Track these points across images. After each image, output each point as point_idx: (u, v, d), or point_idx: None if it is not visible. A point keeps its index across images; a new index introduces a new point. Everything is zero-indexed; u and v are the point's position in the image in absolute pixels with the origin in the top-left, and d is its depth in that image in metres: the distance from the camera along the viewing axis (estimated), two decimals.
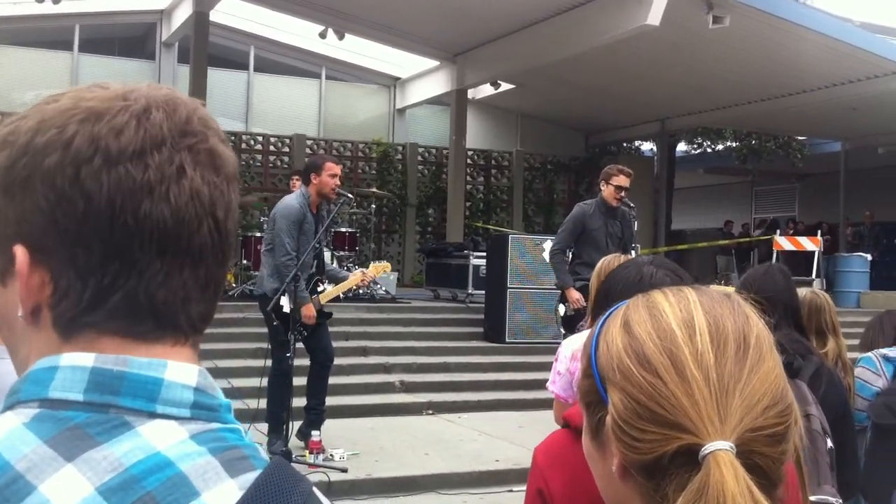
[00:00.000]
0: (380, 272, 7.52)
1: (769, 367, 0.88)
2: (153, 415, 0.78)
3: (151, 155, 0.80)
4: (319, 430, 6.82)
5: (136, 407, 0.78)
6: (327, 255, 10.84)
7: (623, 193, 7.47)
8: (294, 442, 6.78)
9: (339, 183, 6.85)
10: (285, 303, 6.59)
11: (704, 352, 0.87)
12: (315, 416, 6.96)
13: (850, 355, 4.06)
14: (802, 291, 3.62)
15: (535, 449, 1.89)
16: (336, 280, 7.20)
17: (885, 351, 4.07)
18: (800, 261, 16.40)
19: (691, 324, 0.90)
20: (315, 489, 0.80)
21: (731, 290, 5.12)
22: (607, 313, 0.99)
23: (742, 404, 0.85)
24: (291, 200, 6.90)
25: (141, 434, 0.76)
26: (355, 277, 7.14)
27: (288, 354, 6.52)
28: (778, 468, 0.86)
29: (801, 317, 3.27)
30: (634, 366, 0.89)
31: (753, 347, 0.89)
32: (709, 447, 0.83)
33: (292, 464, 5.74)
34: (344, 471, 6.40)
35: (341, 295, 11.46)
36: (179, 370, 0.81)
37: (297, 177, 11.35)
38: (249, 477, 0.76)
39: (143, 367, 0.80)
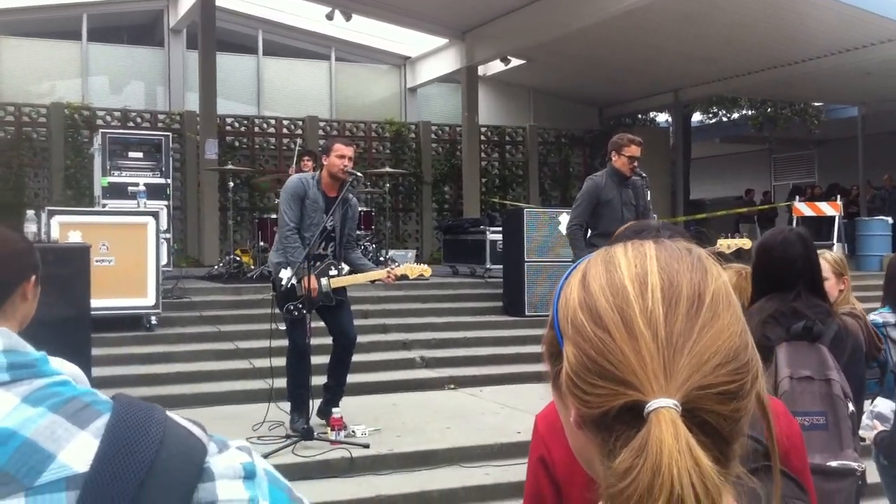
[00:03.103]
0: (415, 273, 6.89)
1: (723, 325, 0.86)
2: None
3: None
4: (339, 406, 6.84)
5: None
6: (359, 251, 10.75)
7: (636, 163, 7.43)
8: (315, 419, 6.81)
9: (347, 164, 6.78)
10: (284, 276, 6.58)
11: (654, 308, 0.85)
12: (333, 394, 6.99)
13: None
14: None
15: (536, 416, 1.89)
16: (359, 270, 7.05)
17: (872, 316, 4.08)
18: (822, 225, 16.31)
19: (644, 279, 0.88)
20: (170, 413, 0.75)
21: (743, 242, 5.11)
22: (572, 267, 0.98)
23: (690, 362, 0.83)
24: (294, 176, 6.98)
25: None
26: (380, 273, 6.89)
27: (296, 332, 6.54)
28: (731, 425, 0.84)
29: (821, 280, 3.23)
30: (587, 320, 0.88)
31: (708, 305, 0.86)
32: (652, 404, 0.81)
33: (315, 440, 5.79)
34: (366, 446, 6.43)
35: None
36: None
37: (307, 157, 11.35)
38: (100, 424, 0.73)
39: None
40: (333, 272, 6.81)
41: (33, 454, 0.69)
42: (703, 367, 0.83)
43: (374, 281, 7.47)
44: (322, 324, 7.02)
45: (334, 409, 6.72)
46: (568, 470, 1.73)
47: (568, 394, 0.88)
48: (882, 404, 3.60)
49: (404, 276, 6.81)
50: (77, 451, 0.71)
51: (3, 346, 0.77)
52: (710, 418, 0.83)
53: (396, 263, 12.57)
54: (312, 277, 6.60)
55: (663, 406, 0.80)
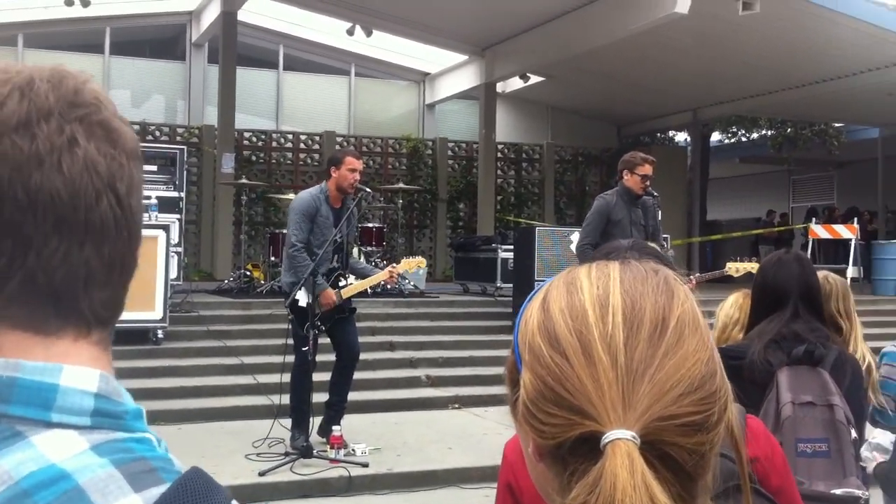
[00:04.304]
0: (412, 267, 7.22)
1: (688, 351, 0.81)
2: (49, 424, 0.72)
3: (39, 125, 0.75)
4: (340, 424, 6.78)
5: (29, 416, 0.72)
6: (355, 251, 10.83)
7: (648, 183, 7.34)
8: (315, 437, 6.75)
9: (357, 178, 6.80)
10: (301, 297, 6.55)
11: (615, 333, 0.81)
12: (335, 412, 6.95)
13: (879, 343, 3.93)
14: None
15: (505, 443, 1.84)
16: (363, 276, 7.11)
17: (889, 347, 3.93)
18: (838, 248, 16.13)
19: (606, 302, 0.83)
20: (235, 502, 0.73)
21: (752, 266, 4.99)
22: (536, 288, 0.93)
23: (651, 391, 0.78)
24: (304, 193, 6.93)
25: (34, 445, 0.70)
26: (382, 274, 7.01)
27: (305, 349, 6.47)
28: (696, 459, 0.79)
29: (821, 304, 3.16)
30: (545, 345, 0.83)
31: (672, 329, 0.81)
32: (609, 435, 0.76)
33: (315, 458, 5.75)
34: (365, 465, 6.38)
35: (369, 290, 11.48)
36: (78, 374, 0.75)
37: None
38: (156, 491, 0.70)
39: (37, 372, 0.73)
40: (342, 282, 6.83)
41: (78, 501, 0.68)
42: (665, 396, 0.78)
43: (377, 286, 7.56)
44: (325, 339, 6.98)
45: (334, 427, 6.68)
46: (535, 499, 1.67)
47: (524, 423, 0.84)
48: (881, 436, 3.50)
49: (404, 275, 7.00)
50: None
51: (96, 390, 0.75)
52: (673, 451, 0.78)
53: (407, 281, 12.60)
54: (332, 292, 6.62)
55: (620, 438, 0.76)
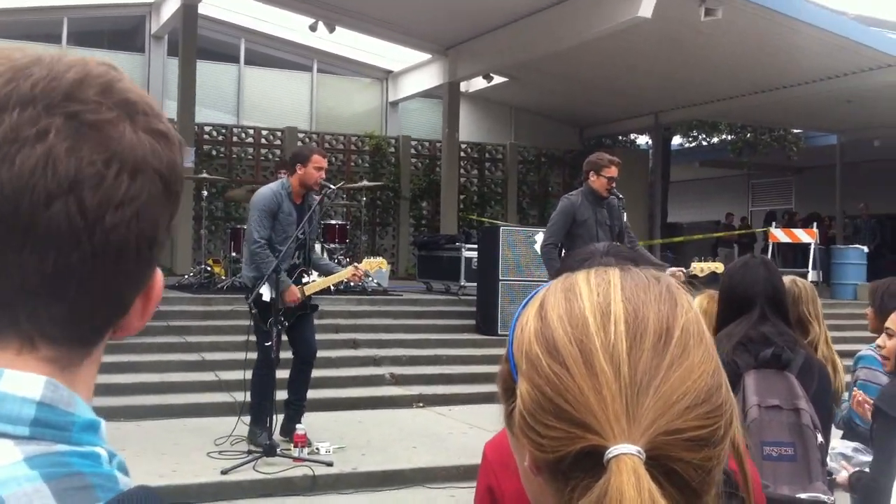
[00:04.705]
0: (374, 268, 7.19)
1: (694, 363, 0.78)
2: None
3: (10, 112, 0.69)
4: (302, 423, 6.72)
5: None
6: (318, 247, 10.76)
7: (613, 184, 7.37)
8: (278, 437, 6.68)
9: (324, 176, 6.77)
10: (265, 292, 6.47)
11: (618, 343, 0.77)
12: (294, 411, 6.88)
13: (838, 347, 3.96)
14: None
15: (485, 444, 1.81)
16: (327, 273, 7.06)
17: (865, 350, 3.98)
18: (798, 253, 16.34)
19: (607, 311, 0.80)
20: None
21: (716, 266, 5.01)
22: (531, 294, 0.90)
23: (656, 404, 0.75)
24: (265, 189, 6.82)
25: None
26: (346, 272, 6.97)
27: (268, 343, 6.41)
28: (702, 476, 0.76)
29: (787, 308, 3.19)
30: (543, 354, 0.79)
31: (677, 340, 0.78)
32: (613, 450, 0.73)
33: (278, 456, 5.67)
34: (329, 464, 6.31)
35: (332, 287, 11.41)
36: (19, 380, 0.69)
37: (283, 170, 11.24)
38: None
39: None
40: (305, 279, 6.77)
41: None
42: (671, 409, 0.75)
43: (341, 283, 7.55)
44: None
45: (298, 426, 6.61)
46: (516, 503, 1.66)
47: (521, 435, 0.80)
48: (840, 445, 3.53)
49: (366, 273, 7.15)
50: None
51: (39, 398, 0.68)
52: (678, 467, 0.75)
53: (370, 278, 12.53)
54: (296, 289, 6.58)
55: (625, 453, 0.73)
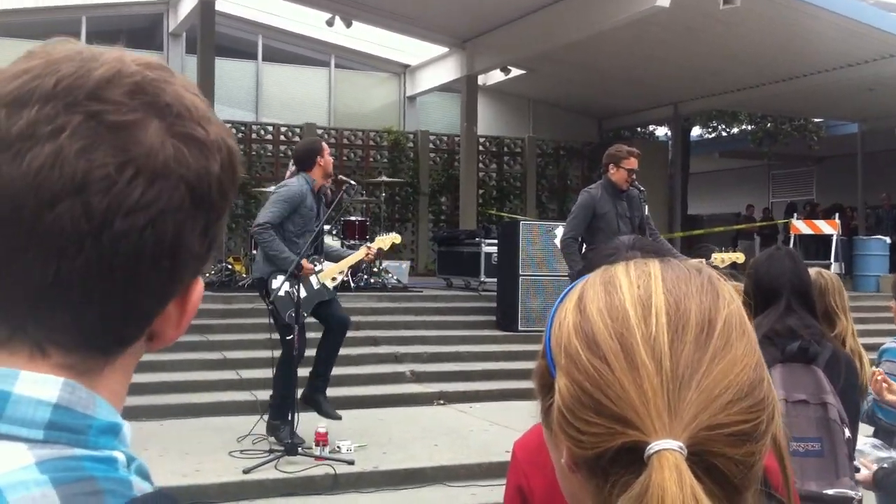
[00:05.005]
0: (388, 244, 7.18)
1: (736, 356, 0.76)
2: None
3: (31, 107, 0.67)
4: (325, 395, 6.83)
5: None
6: (336, 242, 10.77)
7: (633, 176, 7.33)
8: (303, 430, 6.61)
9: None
10: (277, 283, 6.46)
11: (659, 336, 0.75)
12: (324, 381, 6.91)
13: (861, 340, 3.91)
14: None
15: (514, 443, 1.79)
16: (338, 259, 7.05)
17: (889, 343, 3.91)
18: (819, 244, 16.19)
19: (648, 303, 0.78)
20: None
21: (737, 256, 4.98)
22: (568, 287, 0.87)
23: (699, 398, 0.73)
24: (294, 183, 6.80)
25: None
26: (359, 253, 6.98)
27: (290, 337, 6.43)
28: (744, 471, 0.75)
29: (813, 300, 3.14)
30: (582, 348, 0.77)
31: (719, 332, 0.76)
32: (654, 446, 0.72)
33: (300, 455, 5.66)
34: (350, 463, 6.31)
35: (352, 284, 11.43)
36: (35, 381, 0.67)
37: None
38: None
39: None
40: (318, 267, 6.78)
41: None
42: (713, 403, 0.74)
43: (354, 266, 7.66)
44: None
45: (319, 425, 6.58)
46: (547, 503, 1.64)
47: (559, 432, 0.79)
48: (859, 441, 3.47)
49: (381, 249, 7.23)
50: None
51: (56, 400, 0.67)
52: (720, 463, 0.73)
53: (390, 275, 12.53)
54: (306, 262, 6.58)
55: (667, 448, 0.71)
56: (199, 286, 0.77)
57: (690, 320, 0.77)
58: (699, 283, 0.80)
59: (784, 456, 0.82)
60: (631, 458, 0.73)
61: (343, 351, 9.56)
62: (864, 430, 3.85)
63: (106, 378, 0.72)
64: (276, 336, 6.73)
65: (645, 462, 0.72)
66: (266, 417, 6.85)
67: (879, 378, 3.49)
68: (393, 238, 7.17)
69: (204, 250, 0.74)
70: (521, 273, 11.02)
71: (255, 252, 11.66)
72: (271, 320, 6.77)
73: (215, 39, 14.79)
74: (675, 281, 0.80)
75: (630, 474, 0.73)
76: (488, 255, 12.53)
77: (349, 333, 9.97)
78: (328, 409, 6.83)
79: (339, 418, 6.89)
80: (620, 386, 0.74)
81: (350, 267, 9.45)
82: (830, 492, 2.87)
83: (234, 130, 16.33)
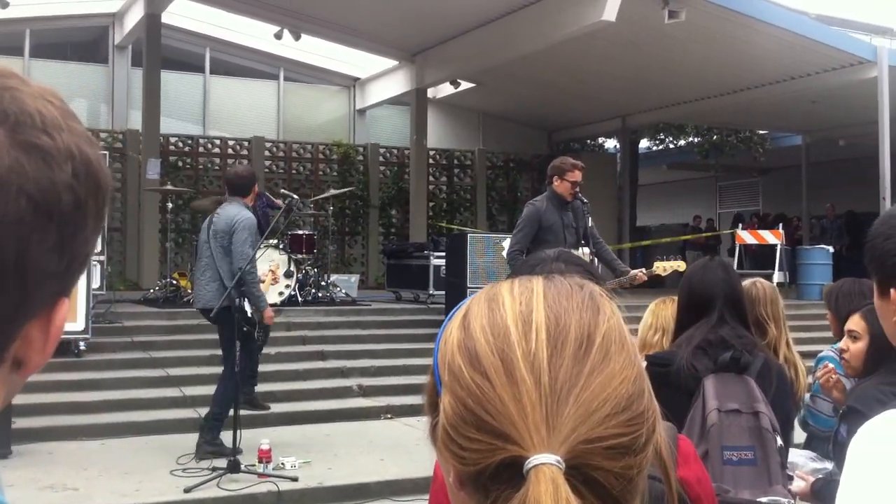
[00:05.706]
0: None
1: (615, 370, 0.76)
2: None
3: None
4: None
5: None
6: (283, 256, 10.69)
7: (577, 188, 7.37)
8: (246, 447, 6.54)
9: None
10: (249, 307, 6.68)
11: (539, 351, 0.76)
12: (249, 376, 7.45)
13: (804, 348, 3.96)
14: (743, 283, 3.51)
15: (436, 461, 1.76)
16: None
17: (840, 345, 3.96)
18: (766, 254, 16.42)
19: (529, 319, 0.79)
20: None
21: (678, 265, 4.95)
22: (457, 305, 0.87)
23: (577, 412, 0.74)
24: (248, 213, 6.91)
25: None
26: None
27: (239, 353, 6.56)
28: (624, 484, 0.75)
29: (745, 310, 3.17)
30: (465, 365, 0.78)
31: (598, 347, 0.77)
32: (532, 460, 0.72)
33: (242, 472, 5.60)
34: (294, 480, 6.24)
35: (299, 297, 11.41)
36: None
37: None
38: None
39: None
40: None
41: None
42: (591, 417, 0.74)
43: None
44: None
45: (263, 441, 6.51)
46: None
47: (444, 449, 0.79)
48: (792, 454, 3.50)
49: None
50: None
51: None
52: (599, 476, 0.74)
53: (339, 288, 12.48)
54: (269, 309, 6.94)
55: (544, 463, 0.72)
56: (63, 307, 0.72)
57: (570, 336, 0.77)
58: (580, 299, 0.81)
59: (667, 465, 0.82)
60: (511, 473, 0.73)
61: (290, 366, 9.54)
62: (799, 438, 3.89)
63: None
64: (219, 353, 6.75)
65: (524, 477, 0.72)
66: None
67: (834, 378, 3.50)
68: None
69: (62, 268, 0.69)
70: (469, 285, 11.01)
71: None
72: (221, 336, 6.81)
73: (162, 52, 14.64)
74: (556, 297, 0.81)
75: (510, 489, 0.73)
76: (437, 267, 12.51)
77: (297, 348, 9.96)
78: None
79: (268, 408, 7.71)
80: (500, 401, 0.74)
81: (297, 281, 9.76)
82: (764, 500, 2.89)
83: (181, 144, 16.18)
